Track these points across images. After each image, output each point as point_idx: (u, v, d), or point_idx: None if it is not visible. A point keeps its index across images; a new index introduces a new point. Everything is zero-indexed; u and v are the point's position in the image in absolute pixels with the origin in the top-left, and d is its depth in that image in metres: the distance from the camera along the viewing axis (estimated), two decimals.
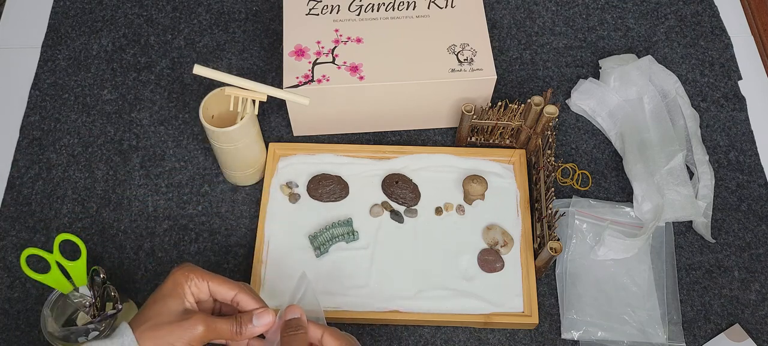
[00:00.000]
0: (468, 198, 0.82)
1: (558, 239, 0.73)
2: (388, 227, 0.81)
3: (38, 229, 0.82)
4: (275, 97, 0.75)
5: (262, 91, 0.74)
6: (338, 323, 0.76)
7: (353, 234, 0.79)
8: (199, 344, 0.58)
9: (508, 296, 0.76)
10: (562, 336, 0.76)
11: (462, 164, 0.85)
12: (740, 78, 0.97)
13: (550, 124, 0.80)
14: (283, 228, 0.80)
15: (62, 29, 0.99)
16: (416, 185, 0.83)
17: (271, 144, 0.85)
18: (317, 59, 0.82)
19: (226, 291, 0.61)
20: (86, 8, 1.01)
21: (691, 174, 0.87)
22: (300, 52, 0.83)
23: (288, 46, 0.83)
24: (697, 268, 0.81)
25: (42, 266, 0.70)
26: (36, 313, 0.76)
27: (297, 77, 0.81)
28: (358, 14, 0.86)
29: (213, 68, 0.73)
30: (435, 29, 0.85)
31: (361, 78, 0.81)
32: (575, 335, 0.76)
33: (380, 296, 0.76)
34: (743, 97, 0.95)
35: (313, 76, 0.81)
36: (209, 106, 0.76)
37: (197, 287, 0.60)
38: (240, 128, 0.75)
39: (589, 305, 0.77)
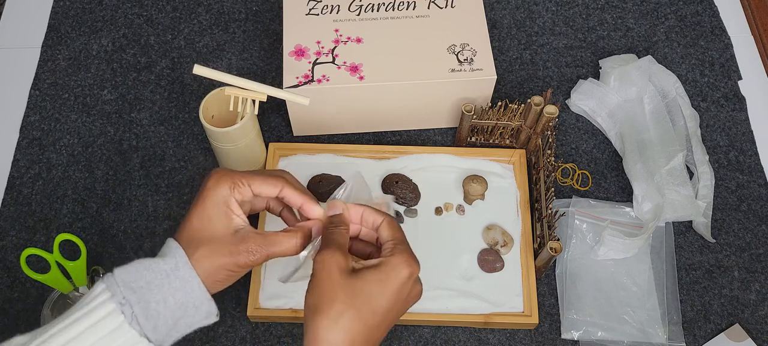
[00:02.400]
0: (468, 198, 0.82)
1: (558, 239, 0.73)
2: None
3: (38, 229, 0.82)
4: (275, 97, 0.75)
5: (262, 91, 0.74)
6: None
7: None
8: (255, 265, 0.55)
9: (508, 296, 0.76)
10: (562, 336, 0.76)
11: (462, 164, 0.85)
12: (740, 78, 0.97)
13: (550, 124, 0.80)
14: (283, 228, 0.80)
15: (62, 29, 0.99)
16: (416, 185, 0.83)
17: (271, 144, 0.85)
18: (317, 59, 0.82)
19: (270, 189, 0.57)
20: (86, 8, 1.01)
21: (691, 174, 0.87)
22: (300, 52, 0.83)
23: (288, 46, 0.83)
24: (697, 268, 0.81)
25: (42, 266, 0.70)
26: (36, 313, 0.76)
27: (297, 77, 0.81)
28: (358, 14, 0.86)
29: (213, 68, 0.73)
30: (435, 29, 0.85)
31: (361, 78, 0.81)
32: (575, 335, 0.76)
33: None
34: (743, 97, 0.95)
35: (313, 76, 0.81)
36: (209, 106, 0.76)
37: (240, 194, 0.55)
38: (240, 128, 0.75)
39: (589, 305, 0.77)
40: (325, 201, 0.81)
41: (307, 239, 0.58)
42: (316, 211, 0.59)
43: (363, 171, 0.84)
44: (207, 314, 0.53)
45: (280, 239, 0.56)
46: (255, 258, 0.55)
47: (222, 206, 0.54)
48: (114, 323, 0.48)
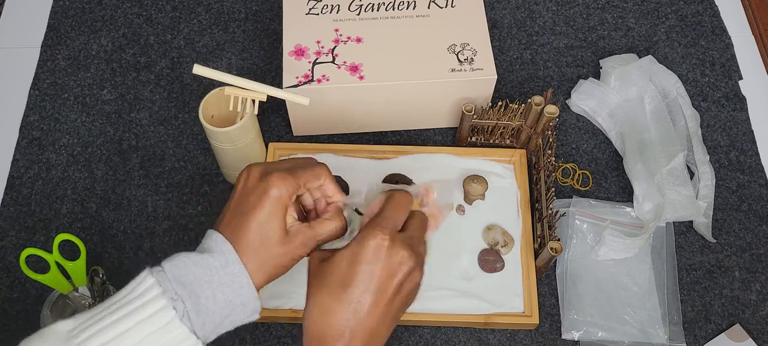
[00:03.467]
0: (468, 198, 0.82)
1: (558, 239, 0.73)
2: None
3: (38, 229, 0.82)
4: (275, 97, 0.75)
5: (262, 91, 0.74)
6: None
7: (353, 234, 0.79)
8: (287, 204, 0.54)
9: (509, 296, 0.76)
10: (563, 336, 0.76)
11: (462, 164, 0.85)
12: (741, 78, 0.97)
13: (551, 124, 0.80)
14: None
15: (62, 29, 0.98)
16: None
17: (271, 144, 0.85)
18: (317, 59, 0.82)
19: (315, 182, 0.57)
20: (86, 8, 1.01)
21: (692, 174, 0.87)
22: (300, 52, 0.83)
23: (288, 45, 0.83)
24: (697, 268, 0.81)
25: (41, 266, 0.70)
26: (36, 313, 0.76)
27: (297, 77, 0.81)
28: (358, 14, 0.86)
29: (213, 68, 0.73)
30: (435, 29, 0.85)
31: (361, 78, 0.81)
32: (576, 335, 0.76)
33: None
34: (744, 97, 0.95)
35: (312, 76, 0.81)
36: (209, 106, 0.76)
37: (293, 198, 0.55)
38: (240, 128, 0.75)
39: (589, 305, 0.77)
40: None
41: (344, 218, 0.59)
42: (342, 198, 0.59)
43: (363, 171, 0.84)
44: (252, 311, 0.53)
45: (325, 224, 0.56)
46: (307, 249, 0.55)
47: (280, 210, 0.53)
48: (165, 319, 0.47)
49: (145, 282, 0.49)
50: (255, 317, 0.54)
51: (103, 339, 0.46)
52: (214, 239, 0.52)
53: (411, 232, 0.55)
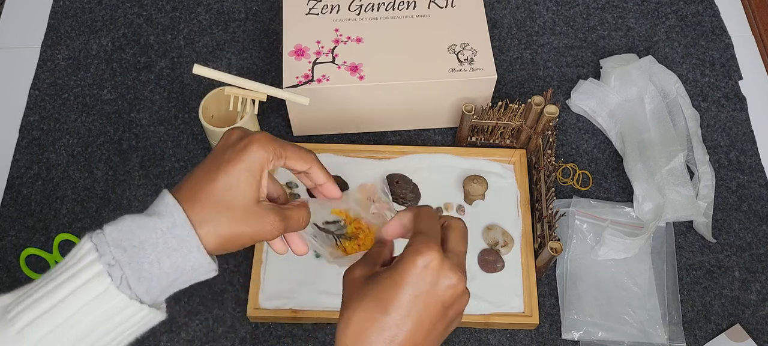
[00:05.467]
0: (468, 198, 0.82)
1: (558, 239, 0.73)
2: None
3: (38, 229, 0.82)
4: (275, 97, 0.75)
5: (262, 91, 0.74)
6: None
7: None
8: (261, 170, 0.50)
9: (509, 296, 0.76)
10: (563, 336, 0.76)
11: (462, 164, 0.85)
12: (741, 78, 0.97)
13: (551, 124, 0.80)
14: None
15: (62, 29, 0.98)
16: (416, 185, 0.83)
17: None
18: (317, 59, 0.82)
19: (301, 165, 0.54)
20: (86, 8, 1.01)
21: (692, 174, 0.87)
22: (300, 52, 0.83)
23: (288, 45, 0.83)
24: (697, 268, 0.81)
25: (41, 266, 0.70)
26: None
27: (297, 77, 0.81)
28: (358, 14, 0.86)
29: (213, 68, 0.73)
30: (435, 29, 0.85)
31: (361, 78, 0.81)
32: (576, 335, 0.76)
33: None
34: (744, 97, 0.95)
35: (313, 76, 0.81)
36: (209, 106, 0.76)
37: (274, 166, 0.52)
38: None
39: (589, 305, 0.77)
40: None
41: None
42: (335, 192, 0.57)
43: (363, 171, 0.84)
44: (207, 272, 0.49)
45: (293, 214, 0.53)
46: (274, 234, 0.51)
47: (256, 173, 0.50)
48: (102, 286, 0.44)
49: (83, 247, 0.45)
50: (212, 274, 0.50)
51: (37, 311, 0.44)
52: (165, 201, 0.48)
53: (455, 247, 0.50)
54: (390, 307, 0.46)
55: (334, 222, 0.63)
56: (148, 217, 0.47)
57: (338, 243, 0.61)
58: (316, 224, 0.60)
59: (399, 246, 0.51)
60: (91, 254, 0.45)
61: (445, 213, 0.82)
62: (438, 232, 0.50)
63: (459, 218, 0.52)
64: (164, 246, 0.46)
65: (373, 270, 0.49)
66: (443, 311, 0.47)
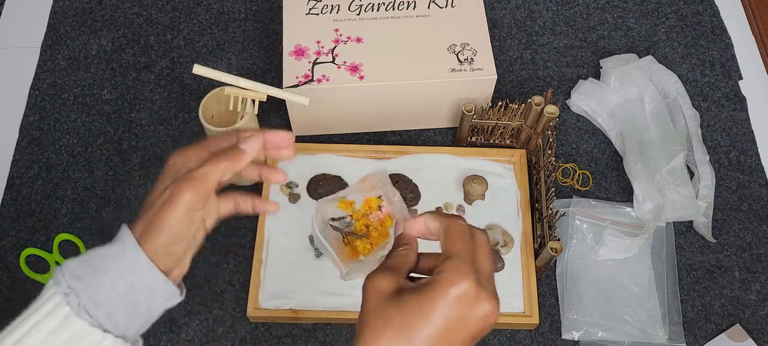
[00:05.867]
0: (468, 198, 0.82)
1: (558, 239, 0.73)
2: None
3: (38, 229, 0.82)
4: (275, 97, 0.75)
5: (262, 91, 0.74)
6: (339, 324, 0.76)
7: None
8: (198, 210, 0.51)
9: (509, 296, 0.76)
10: (563, 336, 0.76)
11: (462, 164, 0.85)
12: (741, 78, 0.97)
13: (551, 124, 0.80)
14: (283, 228, 0.80)
15: (62, 29, 0.98)
16: (416, 185, 0.83)
17: None
18: (317, 59, 0.82)
19: (231, 169, 0.53)
20: (86, 8, 1.01)
21: (692, 174, 0.87)
22: (300, 52, 0.83)
23: (288, 45, 0.83)
24: (697, 268, 0.81)
25: (41, 266, 0.70)
26: None
27: (297, 77, 0.81)
28: (358, 14, 0.86)
29: (213, 68, 0.72)
30: (435, 29, 0.85)
31: (361, 78, 0.81)
32: (576, 335, 0.76)
33: None
34: (744, 97, 0.95)
35: (313, 76, 0.81)
36: (209, 106, 0.76)
37: (204, 205, 0.52)
38: (240, 128, 0.75)
39: (589, 305, 0.77)
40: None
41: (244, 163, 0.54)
42: (275, 135, 0.55)
43: (363, 171, 0.84)
44: (168, 295, 0.50)
45: (206, 167, 0.52)
46: (188, 199, 0.50)
47: (192, 214, 0.51)
48: (61, 315, 0.46)
49: (47, 285, 0.48)
50: (175, 300, 0.51)
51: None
52: (120, 231, 0.51)
53: (486, 268, 0.47)
54: (415, 337, 0.43)
55: (340, 218, 0.62)
56: (102, 246, 0.49)
57: (346, 241, 0.60)
58: (324, 221, 0.59)
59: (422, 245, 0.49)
60: (50, 289, 0.47)
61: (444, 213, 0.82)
62: (472, 254, 0.46)
63: (483, 230, 0.49)
64: (116, 269, 0.48)
65: (399, 282, 0.46)
66: (471, 342, 0.45)
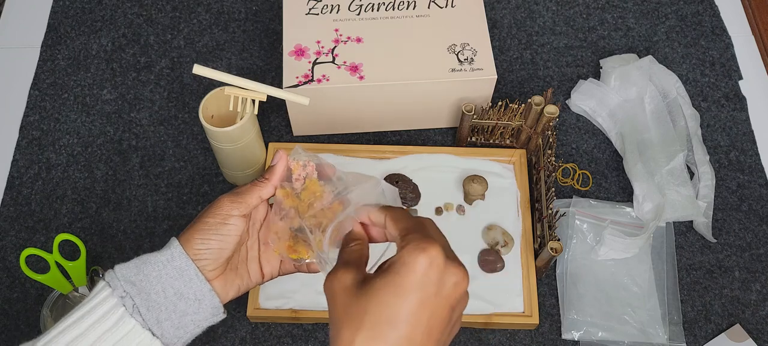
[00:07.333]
0: (468, 198, 0.82)
1: (558, 239, 0.73)
2: None
3: (38, 229, 0.82)
4: (275, 97, 0.75)
5: (262, 91, 0.74)
6: None
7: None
8: (239, 225, 0.53)
9: (509, 296, 0.76)
10: (563, 336, 0.76)
11: (462, 164, 0.85)
12: (741, 78, 0.97)
13: (551, 124, 0.80)
14: None
15: (62, 29, 0.98)
16: (416, 185, 0.83)
17: (270, 144, 0.85)
18: (317, 59, 0.82)
19: (261, 197, 0.55)
20: (86, 8, 1.01)
21: (692, 174, 0.87)
22: (300, 52, 0.83)
23: (288, 45, 0.83)
24: (697, 268, 0.81)
25: (41, 266, 0.70)
26: (36, 313, 0.76)
27: (297, 77, 0.81)
28: (358, 14, 0.86)
29: (213, 68, 0.72)
30: (435, 29, 0.85)
31: (361, 78, 0.81)
32: (576, 335, 0.76)
33: None
34: (744, 97, 0.95)
35: (312, 76, 0.81)
36: (209, 106, 0.76)
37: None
38: (240, 128, 0.75)
39: (589, 305, 0.77)
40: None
41: (278, 176, 0.56)
42: (279, 157, 0.57)
43: (363, 171, 0.84)
44: (212, 309, 0.52)
45: (246, 189, 0.54)
46: (230, 214, 0.53)
47: (238, 237, 0.54)
48: (117, 315, 0.48)
49: (98, 286, 0.50)
50: (219, 316, 0.53)
51: (62, 343, 0.48)
52: (170, 242, 0.52)
53: (443, 240, 0.46)
54: (400, 318, 0.41)
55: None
56: (150, 254, 0.51)
57: (303, 237, 0.57)
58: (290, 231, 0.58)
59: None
60: (105, 291, 0.49)
61: (445, 213, 0.82)
62: (425, 229, 0.46)
63: (426, 217, 0.50)
64: (166, 276, 0.50)
65: (362, 274, 0.45)
66: (450, 314, 0.43)
